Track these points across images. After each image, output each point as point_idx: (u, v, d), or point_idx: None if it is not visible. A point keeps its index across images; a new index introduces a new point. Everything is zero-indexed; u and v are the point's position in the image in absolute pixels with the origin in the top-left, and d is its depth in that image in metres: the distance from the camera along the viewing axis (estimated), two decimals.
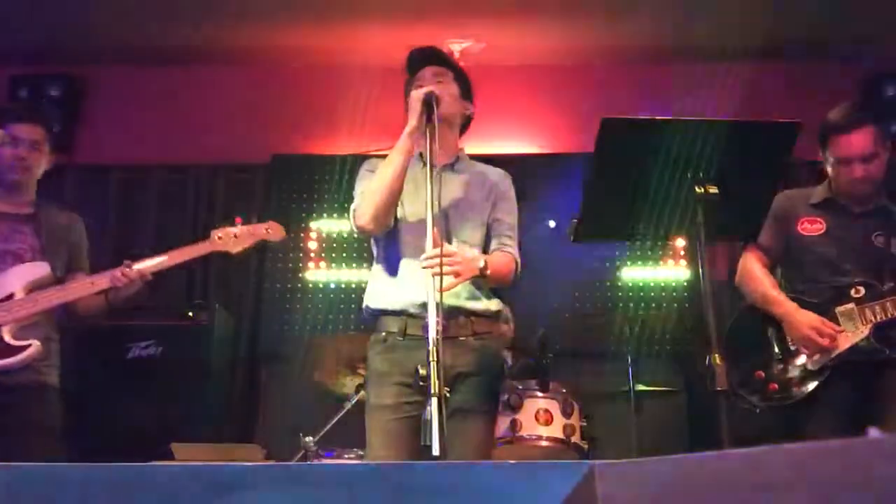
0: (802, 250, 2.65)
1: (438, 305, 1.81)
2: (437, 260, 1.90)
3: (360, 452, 2.99)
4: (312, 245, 4.75)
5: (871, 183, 2.56)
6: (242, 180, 4.92)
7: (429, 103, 2.11)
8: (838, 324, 2.51)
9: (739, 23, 4.64)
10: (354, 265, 4.59)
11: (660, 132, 2.00)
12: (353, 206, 2.27)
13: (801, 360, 2.54)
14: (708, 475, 0.96)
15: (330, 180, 4.82)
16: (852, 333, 2.48)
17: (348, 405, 3.17)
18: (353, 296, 4.51)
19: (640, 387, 3.50)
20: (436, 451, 1.65)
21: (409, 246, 2.22)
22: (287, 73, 5.15)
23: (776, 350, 2.59)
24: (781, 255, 2.70)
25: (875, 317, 2.46)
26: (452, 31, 4.59)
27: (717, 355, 1.86)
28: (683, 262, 4.50)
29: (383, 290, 2.25)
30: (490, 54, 4.74)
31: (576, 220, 2.12)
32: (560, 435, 3.04)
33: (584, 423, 3.17)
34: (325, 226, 4.79)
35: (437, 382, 1.72)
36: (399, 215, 2.26)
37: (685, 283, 4.45)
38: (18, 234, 2.67)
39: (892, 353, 2.46)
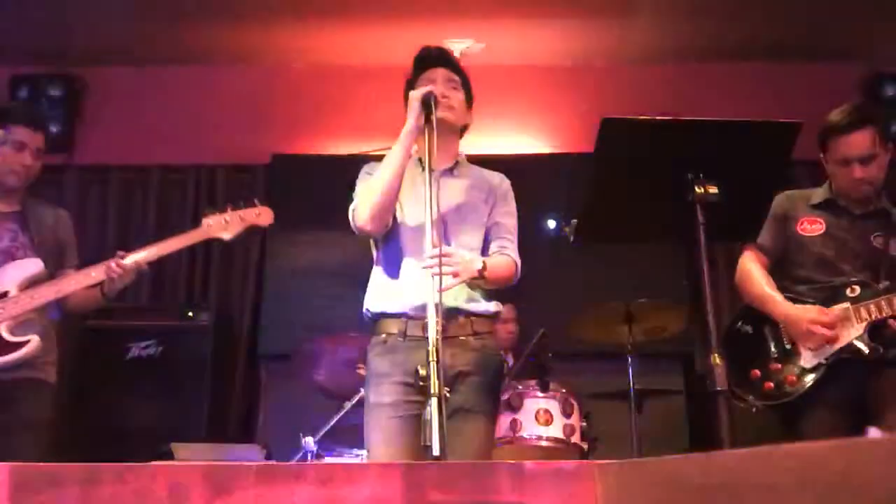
0: (801, 250, 2.65)
1: (438, 306, 1.81)
2: (437, 260, 1.90)
3: (360, 452, 3.00)
4: (312, 245, 4.75)
5: (871, 184, 2.56)
6: (242, 180, 4.92)
7: (427, 103, 2.11)
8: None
9: (739, 23, 4.65)
10: (354, 265, 4.59)
11: (660, 132, 2.00)
12: (351, 207, 2.27)
13: (797, 358, 2.54)
14: (708, 475, 0.96)
15: (330, 180, 4.81)
16: (848, 332, 2.49)
17: (348, 405, 3.17)
18: (354, 296, 4.50)
19: (640, 387, 3.50)
20: (436, 452, 1.65)
21: (409, 249, 2.22)
22: (287, 73, 5.15)
23: (772, 349, 2.59)
24: (781, 254, 2.70)
25: (870, 315, 2.46)
26: (452, 31, 4.60)
27: (716, 355, 1.86)
28: (683, 262, 4.50)
29: (383, 294, 2.25)
30: (490, 54, 4.75)
31: (575, 221, 2.12)
32: (560, 435, 3.04)
33: (584, 423, 3.17)
34: (326, 226, 4.79)
35: (437, 382, 1.72)
36: (398, 219, 2.26)
37: (685, 283, 4.45)
38: (8, 232, 2.68)
39: (887, 351, 2.46)
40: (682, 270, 4.49)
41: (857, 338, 2.48)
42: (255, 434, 4.47)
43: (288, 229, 4.80)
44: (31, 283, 2.58)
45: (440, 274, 1.88)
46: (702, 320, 1.92)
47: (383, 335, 2.22)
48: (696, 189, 1.94)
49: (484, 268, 2.12)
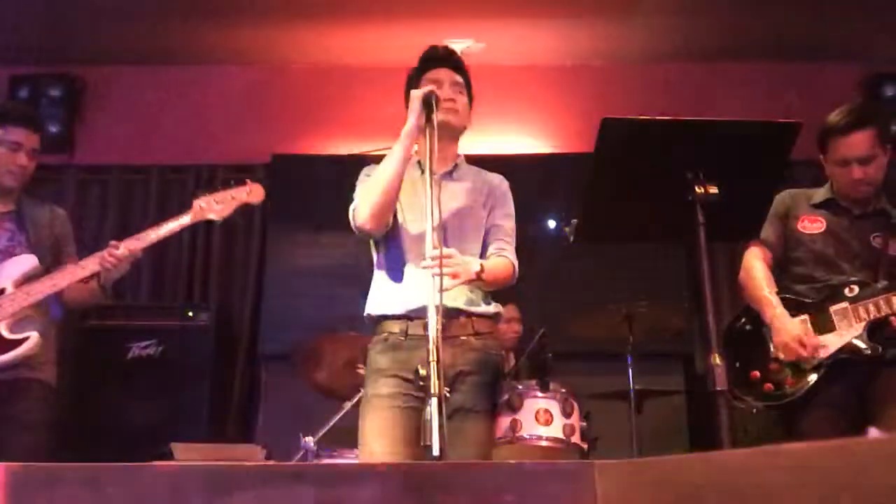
0: (801, 248, 2.66)
1: (439, 306, 1.81)
2: (437, 261, 1.91)
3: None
4: (312, 245, 4.75)
5: (871, 185, 2.57)
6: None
7: (428, 102, 2.11)
8: (833, 323, 2.51)
9: (739, 23, 4.65)
10: (354, 265, 4.59)
11: (660, 132, 2.00)
12: (352, 207, 2.27)
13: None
14: (708, 475, 0.96)
15: (330, 180, 4.82)
16: (847, 331, 2.49)
17: (348, 405, 3.17)
18: (353, 295, 4.50)
19: (640, 387, 3.50)
20: (436, 451, 1.65)
21: (410, 253, 2.22)
22: (287, 73, 5.15)
23: (772, 350, 2.59)
24: (783, 251, 2.71)
25: (868, 315, 2.47)
26: (452, 31, 4.60)
27: (716, 355, 1.86)
28: (683, 262, 4.51)
29: (385, 298, 2.25)
30: (490, 54, 4.75)
31: (575, 221, 2.12)
32: (560, 435, 3.03)
33: (584, 423, 3.17)
34: (326, 225, 4.79)
35: (437, 382, 1.72)
36: (399, 222, 2.26)
37: (685, 283, 4.45)
38: (6, 231, 2.68)
39: (886, 350, 2.46)
40: (682, 270, 4.50)
41: (856, 337, 2.48)
42: (255, 434, 4.47)
43: (288, 229, 4.82)
44: (27, 280, 2.58)
45: (440, 275, 1.89)
46: (702, 320, 1.92)
47: (385, 333, 2.22)
48: (696, 189, 1.94)
49: (482, 270, 2.13)
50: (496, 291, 2.32)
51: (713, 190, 1.94)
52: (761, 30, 4.69)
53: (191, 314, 4.27)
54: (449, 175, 2.32)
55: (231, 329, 4.66)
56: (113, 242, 2.59)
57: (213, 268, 4.81)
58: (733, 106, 4.69)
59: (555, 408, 3.07)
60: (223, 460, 2.70)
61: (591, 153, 1.97)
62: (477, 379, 2.19)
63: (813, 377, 2.50)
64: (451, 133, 2.31)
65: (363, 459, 2.18)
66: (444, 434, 1.67)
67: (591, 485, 1.12)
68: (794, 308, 2.58)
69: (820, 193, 2.70)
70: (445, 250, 2.02)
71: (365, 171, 2.36)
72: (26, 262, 2.61)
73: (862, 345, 2.47)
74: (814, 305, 2.57)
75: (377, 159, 2.27)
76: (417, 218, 2.19)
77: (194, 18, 4.63)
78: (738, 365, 2.59)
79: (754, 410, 2.57)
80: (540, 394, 3.09)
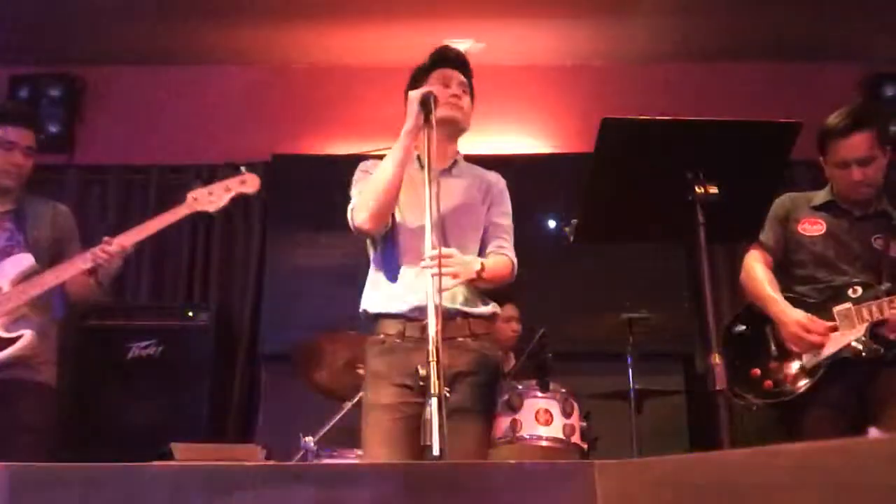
0: (802, 250, 2.67)
1: (438, 306, 1.81)
2: (437, 261, 1.91)
3: (360, 452, 2.99)
4: (312, 245, 4.75)
5: (870, 186, 2.57)
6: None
7: (426, 103, 2.11)
8: (836, 323, 2.52)
9: (739, 23, 4.65)
10: (354, 265, 4.59)
11: (660, 132, 2.00)
12: (350, 207, 2.27)
13: (797, 358, 2.55)
14: (708, 475, 0.96)
15: (330, 180, 4.81)
16: (848, 332, 2.49)
17: (348, 405, 3.17)
18: (353, 295, 4.50)
19: (640, 387, 3.50)
20: (436, 451, 1.65)
21: (407, 250, 2.22)
22: (287, 73, 5.15)
23: (773, 348, 2.60)
24: (783, 254, 2.71)
25: (871, 316, 2.47)
26: (452, 31, 4.59)
27: (716, 355, 1.86)
28: (683, 263, 4.51)
29: (381, 295, 2.25)
30: (490, 54, 4.75)
31: (575, 221, 2.12)
32: (560, 435, 3.03)
33: (584, 423, 3.17)
34: (325, 225, 4.79)
35: (437, 382, 1.72)
36: (397, 219, 2.26)
37: (685, 283, 4.45)
38: (5, 231, 2.68)
39: (888, 352, 2.46)
40: (682, 271, 4.50)
41: (857, 338, 2.48)
42: (255, 434, 4.47)
43: (288, 229, 4.81)
44: (23, 278, 2.57)
45: (440, 275, 1.89)
46: (702, 320, 1.92)
47: (381, 335, 2.22)
48: (696, 189, 1.94)
49: (482, 269, 2.13)
50: (495, 291, 2.32)
51: (713, 190, 1.94)
52: (761, 30, 4.68)
53: (191, 314, 4.27)
54: (448, 172, 2.32)
55: (231, 329, 4.66)
56: (106, 238, 2.58)
57: (213, 268, 4.81)
58: (733, 106, 4.69)
59: (555, 408, 3.07)
60: (223, 460, 2.70)
61: (591, 153, 1.97)
62: (474, 380, 2.19)
63: (813, 377, 2.50)
64: (453, 130, 2.32)
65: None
66: (444, 434, 1.67)
67: (591, 485, 1.12)
68: (796, 307, 2.58)
69: (820, 196, 2.71)
70: (445, 250, 2.02)
71: (361, 166, 2.36)
72: (22, 261, 2.61)
73: (863, 346, 2.47)
74: (816, 305, 2.57)
75: (377, 158, 2.27)
76: (416, 214, 2.18)
77: (194, 18, 4.63)
78: (738, 363, 2.59)
79: (754, 408, 2.58)
80: (540, 394, 3.10)
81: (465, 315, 2.22)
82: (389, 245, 2.28)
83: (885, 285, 2.50)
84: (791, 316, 2.53)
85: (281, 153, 4.92)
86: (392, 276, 2.25)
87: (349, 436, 2.91)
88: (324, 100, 5.07)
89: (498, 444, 2.97)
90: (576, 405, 3.14)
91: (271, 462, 3.19)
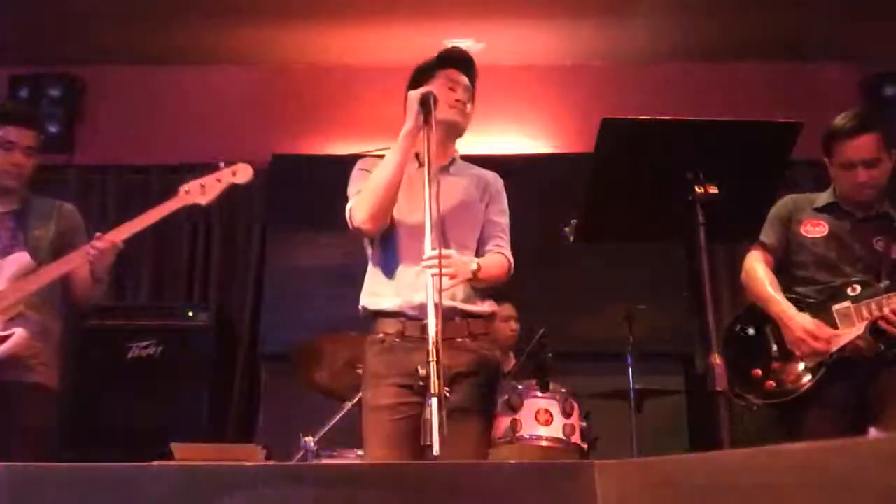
0: (804, 252, 2.67)
1: (437, 306, 1.81)
2: (435, 261, 1.91)
3: (360, 452, 2.99)
4: (312, 245, 4.75)
5: (875, 188, 2.58)
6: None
7: (426, 103, 2.11)
8: (836, 322, 2.52)
9: (739, 23, 4.65)
10: (354, 265, 4.59)
11: (660, 132, 2.00)
12: (349, 206, 2.27)
13: (798, 358, 2.55)
14: (708, 475, 0.96)
15: (330, 180, 4.81)
16: (849, 331, 2.49)
17: (348, 405, 3.17)
18: (353, 295, 4.50)
19: (640, 387, 3.50)
20: (436, 451, 1.65)
21: (407, 248, 2.22)
22: (287, 73, 5.15)
23: (774, 348, 2.60)
24: (784, 255, 2.72)
25: (871, 314, 2.47)
26: (452, 31, 4.59)
27: (716, 355, 1.86)
28: (683, 262, 4.50)
29: (380, 292, 2.25)
30: (490, 54, 4.75)
31: (575, 221, 2.12)
32: (560, 435, 3.04)
33: (584, 423, 3.17)
34: (326, 225, 4.79)
35: (437, 382, 1.72)
36: (395, 217, 2.26)
37: (685, 283, 4.45)
38: (7, 231, 2.67)
39: (888, 350, 2.46)
40: (682, 270, 4.49)
41: (857, 336, 2.48)
42: (255, 434, 4.47)
43: (288, 229, 4.81)
44: (20, 276, 2.56)
45: (439, 275, 1.89)
46: (702, 320, 1.92)
47: (380, 335, 2.22)
48: (696, 189, 1.94)
49: (478, 269, 2.14)
50: (493, 290, 2.33)
51: (713, 190, 1.94)
52: (761, 30, 4.68)
53: (191, 314, 4.27)
54: (446, 170, 2.32)
55: (231, 329, 4.66)
56: (97, 234, 2.57)
57: (213, 268, 4.81)
58: (733, 106, 4.69)
59: (555, 408, 3.07)
60: (223, 460, 2.70)
61: (591, 153, 1.97)
62: (474, 380, 2.19)
63: (813, 376, 2.51)
64: (453, 133, 2.33)
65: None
66: (444, 434, 1.67)
67: (591, 485, 1.12)
68: (797, 308, 2.58)
69: (823, 197, 2.71)
70: (445, 251, 2.02)
71: (359, 164, 2.35)
72: (19, 259, 2.60)
73: (863, 344, 2.47)
74: (816, 305, 2.57)
75: (376, 158, 2.27)
76: (414, 212, 2.18)
77: (194, 19, 4.63)
78: (739, 363, 2.59)
79: (755, 408, 2.58)
80: (540, 394, 3.10)
81: (464, 314, 2.22)
82: (388, 243, 2.28)
83: (885, 283, 2.50)
84: (798, 321, 2.53)
85: (281, 153, 4.92)
86: (391, 273, 2.25)
87: (349, 436, 2.91)
88: (324, 100, 5.07)
89: (498, 444, 2.97)
90: (576, 405, 3.14)
91: (271, 462, 3.19)
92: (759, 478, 0.85)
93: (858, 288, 2.53)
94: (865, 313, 2.48)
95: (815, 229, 2.67)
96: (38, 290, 2.56)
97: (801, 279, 2.66)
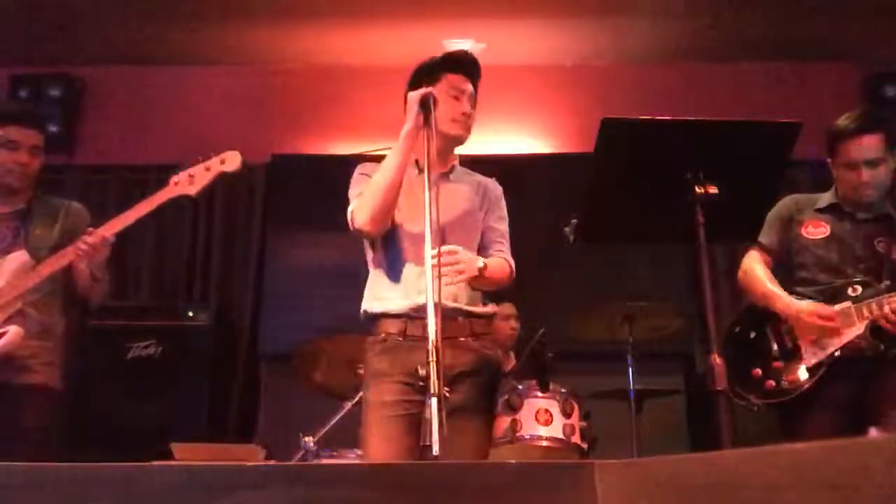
0: (805, 253, 2.67)
1: (438, 306, 1.81)
2: (442, 258, 1.91)
3: (360, 452, 2.99)
4: (312, 245, 4.75)
5: (877, 189, 2.58)
6: (242, 180, 4.92)
7: (426, 104, 2.11)
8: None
9: (739, 23, 4.65)
10: (354, 265, 4.59)
11: (660, 132, 2.00)
12: (350, 209, 2.27)
13: (799, 357, 2.55)
14: (708, 475, 0.96)
15: (330, 180, 4.82)
16: (849, 330, 2.49)
17: (348, 405, 3.17)
18: (353, 296, 4.50)
19: (640, 387, 3.50)
20: (436, 451, 1.65)
21: (407, 252, 2.23)
22: (287, 73, 5.15)
23: (774, 348, 2.60)
24: (784, 256, 2.72)
25: (871, 313, 2.47)
26: (452, 31, 4.60)
27: (716, 355, 1.86)
28: (683, 263, 4.51)
29: (382, 296, 2.25)
30: (490, 54, 4.75)
31: (575, 221, 2.12)
32: (560, 435, 3.03)
33: (584, 423, 3.17)
34: (326, 226, 4.78)
35: (437, 382, 1.72)
36: (396, 221, 2.26)
37: (685, 283, 4.45)
38: (12, 230, 2.67)
39: (888, 350, 2.46)
40: (682, 270, 4.49)
41: (858, 336, 2.48)
42: (255, 434, 4.47)
43: (288, 229, 4.81)
44: (18, 274, 2.56)
45: (448, 273, 1.89)
46: (702, 320, 1.92)
47: (382, 335, 2.22)
48: (696, 189, 1.94)
49: (485, 267, 2.14)
50: (491, 291, 2.33)
51: (713, 190, 1.94)
52: (761, 30, 4.69)
53: (191, 314, 4.27)
54: (446, 176, 2.33)
55: (231, 329, 4.66)
56: (89, 230, 2.57)
57: (213, 268, 4.81)
58: (733, 106, 4.69)
59: (555, 408, 3.07)
60: (223, 460, 2.70)
61: (591, 153, 1.97)
62: (475, 380, 2.19)
63: (814, 376, 2.51)
64: (456, 144, 2.34)
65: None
66: (444, 434, 1.67)
67: (591, 485, 1.12)
68: None
69: (824, 198, 2.71)
70: (450, 247, 2.03)
71: (359, 168, 2.36)
72: (17, 257, 2.60)
73: (864, 343, 2.47)
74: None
75: (377, 159, 2.27)
76: (415, 217, 2.18)
77: (194, 19, 4.63)
78: (739, 363, 2.59)
79: (755, 408, 2.58)
80: (540, 394, 3.10)
81: (467, 315, 2.23)
82: (390, 246, 2.28)
83: (886, 283, 2.51)
84: (802, 307, 2.53)
85: (281, 153, 4.92)
86: (393, 276, 2.25)
87: (349, 436, 2.91)
88: (324, 100, 5.07)
89: (498, 444, 2.97)
90: (576, 405, 3.14)
91: (271, 462, 3.19)
92: (759, 478, 0.85)
93: (859, 288, 2.53)
94: (866, 313, 2.48)
95: (817, 230, 2.67)
96: (34, 286, 2.56)
97: (802, 280, 2.66)
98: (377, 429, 2.15)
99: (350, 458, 3.08)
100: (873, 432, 2.37)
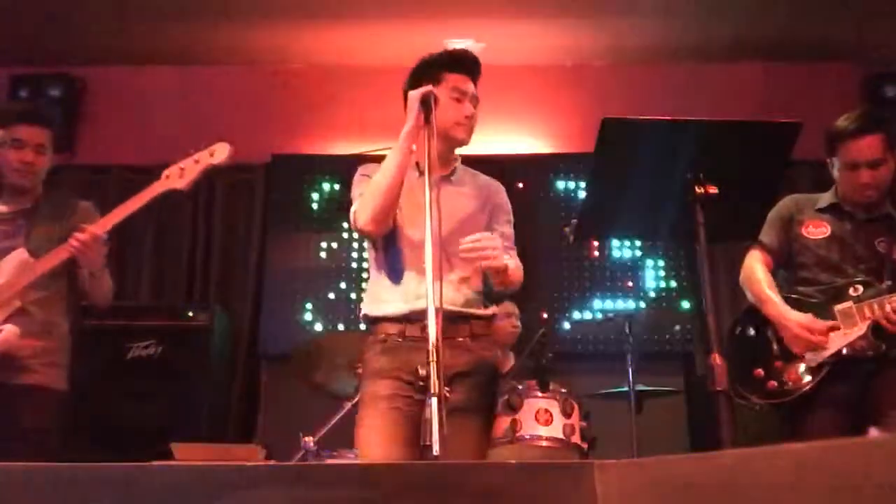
0: (806, 253, 2.67)
1: (438, 308, 1.81)
2: (479, 244, 1.98)
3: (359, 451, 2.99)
4: (312, 245, 4.75)
5: (877, 189, 2.58)
6: (242, 180, 4.92)
7: (426, 103, 2.11)
8: (837, 322, 2.52)
9: (739, 23, 4.65)
10: (354, 265, 4.59)
11: (660, 132, 2.00)
12: (352, 209, 2.27)
13: (800, 357, 2.55)
14: (708, 475, 0.96)
15: (330, 180, 4.83)
16: (850, 331, 2.49)
17: (348, 405, 3.17)
18: (353, 296, 4.52)
19: (640, 387, 3.49)
20: (436, 451, 1.65)
21: (409, 254, 2.22)
22: (287, 73, 5.15)
23: (775, 348, 2.60)
24: (785, 256, 2.72)
25: (873, 313, 2.47)
26: (452, 31, 4.59)
27: (716, 355, 1.86)
28: (683, 262, 4.51)
29: (383, 298, 2.25)
30: (490, 54, 4.74)
31: (575, 221, 2.13)
32: (560, 435, 3.03)
33: (584, 423, 3.17)
34: (326, 225, 4.79)
35: (437, 382, 1.72)
36: (398, 224, 2.25)
37: (685, 283, 4.46)
38: (19, 228, 2.67)
39: (890, 350, 2.46)
40: (681, 270, 4.50)
41: (859, 336, 2.48)
42: (255, 434, 4.47)
43: (288, 229, 4.81)
44: (17, 272, 2.56)
45: (476, 257, 1.96)
46: (702, 320, 1.92)
47: (382, 335, 2.22)
48: (696, 189, 1.94)
49: (506, 267, 2.13)
50: (490, 293, 2.33)
51: (713, 190, 1.94)
52: (761, 30, 4.69)
53: (191, 314, 4.27)
54: (447, 179, 2.32)
55: (231, 329, 4.65)
56: (81, 226, 2.56)
57: (213, 268, 4.81)
58: (733, 106, 4.69)
59: (555, 408, 3.07)
60: (223, 460, 2.70)
61: (592, 153, 1.97)
62: (474, 380, 2.19)
63: (815, 376, 2.51)
64: (457, 146, 2.33)
65: (362, 460, 2.18)
66: (444, 434, 1.67)
67: (591, 485, 1.12)
68: (797, 308, 2.58)
69: (825, 198, 2.71)
70: (485, 233, 2.06)
71: (361, 170, 2.35)
72: (17, 255, 2.60)
73: (865, 343, 2.47)
74: (818, 305, 2.57)
75: (377, 159, 2.27)
76: (416, 220, 2.17)
77: (194, 18, 4.63)
78: (741, 364, 2.59)
79: (756, 408, 2.58)
80: (540, 394, 3.09)
81: (467, 316, 2.22)
82: (391, 248, 2.28)
83: (887, 283, 2.51)
84: (792, 318, 2.54)
85: (281, 153, 4.92)
86: (394, 278, 2.24)
87: (349, 436, 2.91)
88: (324, 100, 5.07)
89: (498, 444, 2.97)
90: (576, 405, 3.14)
91: (271, 462, 3.19)
92: (759, 477, 0.85)
93: (861, 288, 2.53)
94: (867, 313, 2.48)
95: (817, 230, 2.67)
96: (31, 283, 2.55)
97: (803, 280, 2.66)
98: (370, 420, 2.15)
99: (350, 458, 3.08)
100: (874, 432, 2.37)
